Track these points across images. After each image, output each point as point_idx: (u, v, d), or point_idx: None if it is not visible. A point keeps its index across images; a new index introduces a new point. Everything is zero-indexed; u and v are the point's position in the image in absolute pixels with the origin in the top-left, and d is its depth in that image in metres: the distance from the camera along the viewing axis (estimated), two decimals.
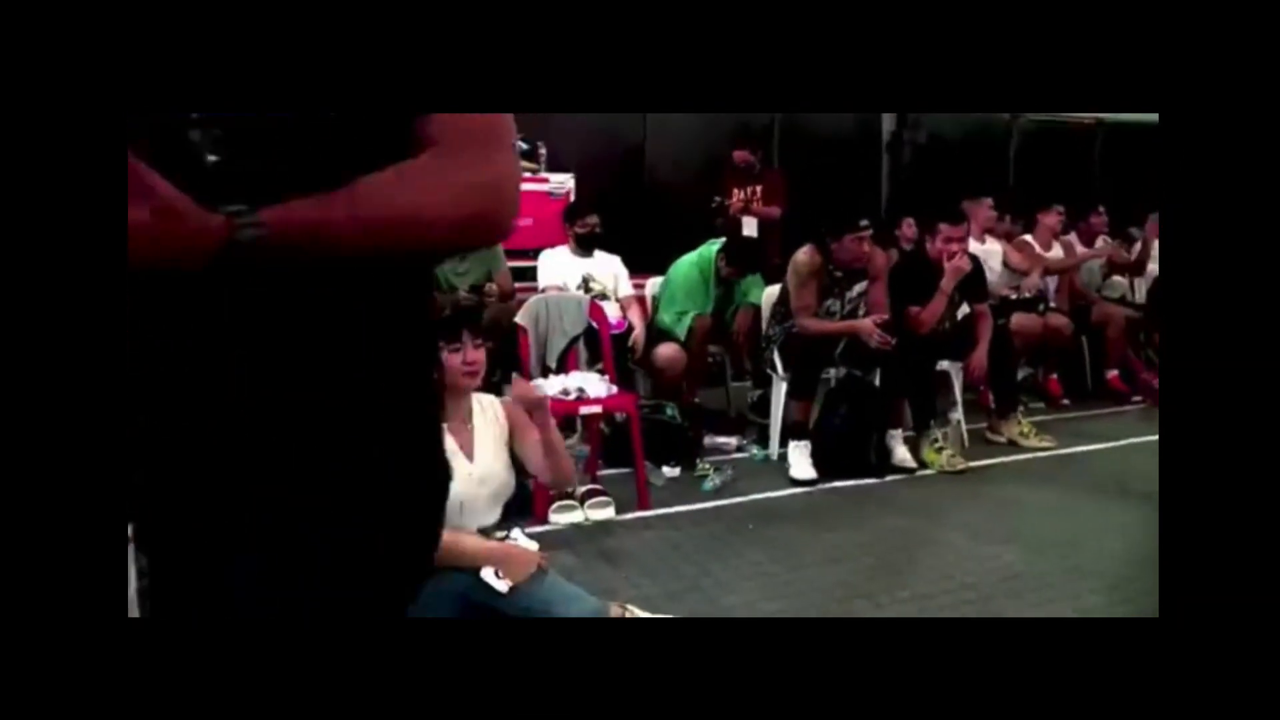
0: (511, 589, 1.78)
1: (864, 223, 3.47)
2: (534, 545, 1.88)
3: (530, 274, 4.16)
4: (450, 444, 1.97)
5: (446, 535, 1.85)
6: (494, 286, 4.05)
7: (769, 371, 3.80)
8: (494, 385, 3.37)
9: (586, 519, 2.98)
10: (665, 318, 4.03)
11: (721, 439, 3.92)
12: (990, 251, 4.39)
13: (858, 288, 3.57)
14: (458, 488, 1.96)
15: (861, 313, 3.58)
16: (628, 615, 1.97)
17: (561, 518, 2.96)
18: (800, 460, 3.41)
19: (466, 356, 1.96)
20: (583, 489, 3.10)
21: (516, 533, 1.92)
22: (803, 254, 3.54)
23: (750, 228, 4.71)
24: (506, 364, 3.57)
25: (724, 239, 4.15)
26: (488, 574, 1.77)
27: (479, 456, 2.02)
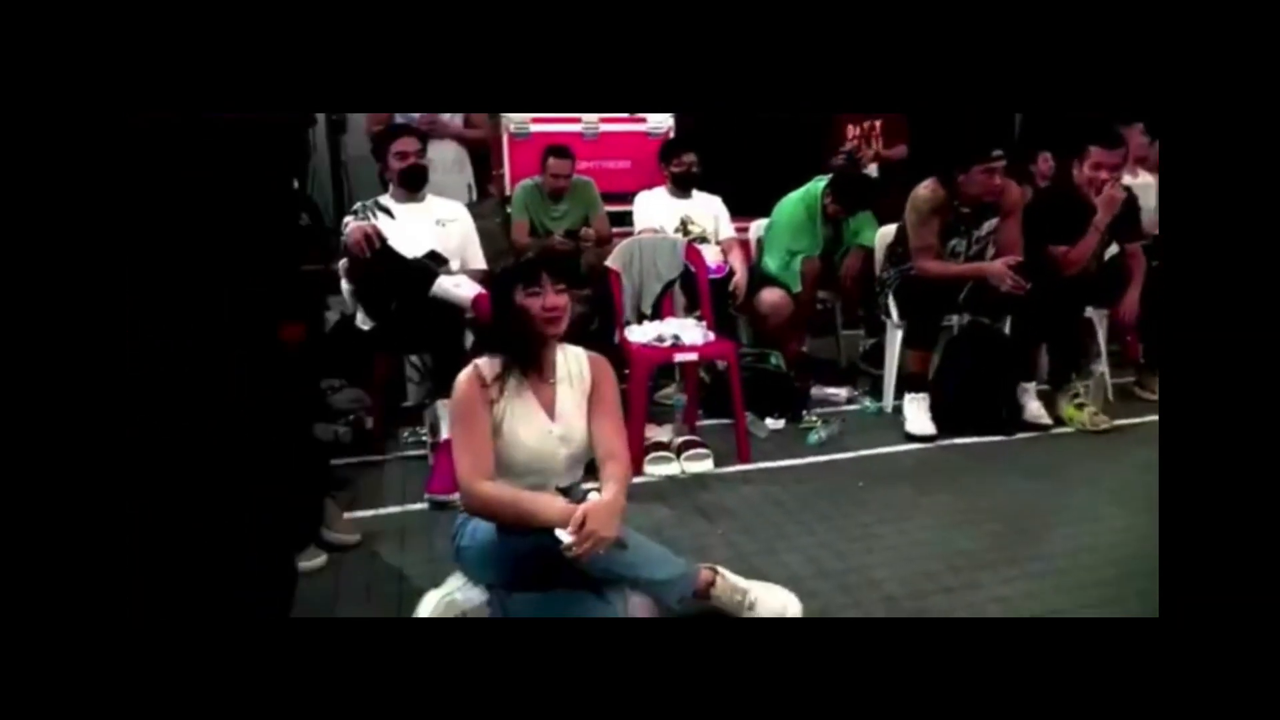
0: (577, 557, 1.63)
1: (996, 152, 3.09)
2: None
3: (629, 219, 3.98)
4: (530, 401, 1.84)
5: (525, 495, 1.73)
6: (590, 231, 3.89)
7: (883, 318, 3.50)
8: (593, 335, 3.23)
9: (683, 471, 2.81)
10: (770, 262, 3.77)
11: (831, 390, 3.66)
12: (1143, 185, 3.89)
13: (987, 225, 3.20)
14: (538, 447, 1.82)
15: (990, 254, 3.23)
16: (719, 579, 1.80)
17: (656, 469, 2.80)
18: (917, 414, 3.13)
19: (546, 301, 1.79)
20: (679, 440, 2.93)
21: (595, 496, 1.76)
22: (924, 188, 3.20)
23: (872, 172, 4.34)
24: (604, 311, 3.42)
25: (831, 175, 3.83)
26: (563, 535, 1.63)
27: (561, 414, 1.87)
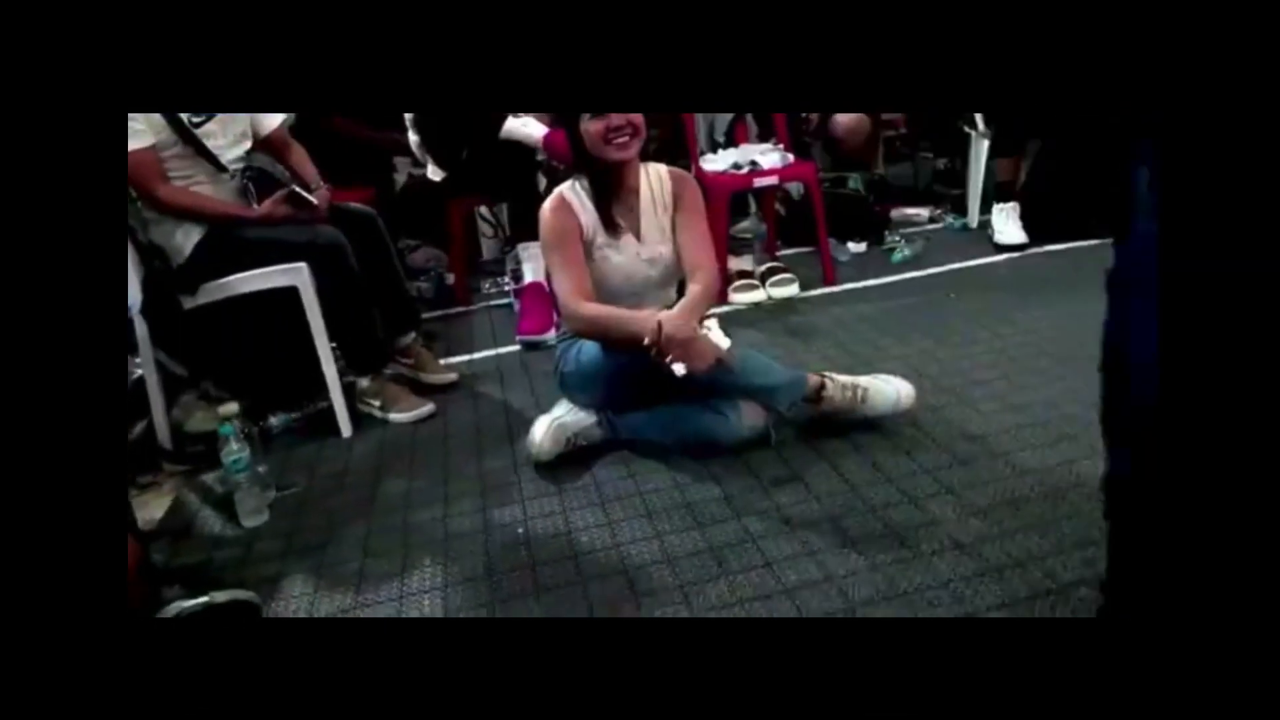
0: (687, 375, 1.63)
1: None
2: (726, 342, 1.69)
3: None
4: (616, 224, 1.84)
5: (625, 311, 1.71)
6: None
7: (966, 129, 3.32)
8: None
9: (769, 297, 2.79)
10: None
11: (911, 210, 3.55)
12: None
13: None
14: (628, 269, 1.81)
15: None
16: (828, 381, 1.79)
17: (742, 297, 2.79)
18: (1007, 224, 3.01)
19: (611, 122, 1.75)
20: (763, 267, 2.90)
21: (712, 324, 1.75)
22: None
23: None
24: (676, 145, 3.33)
25: None
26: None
27: (646, 236, 1.87)
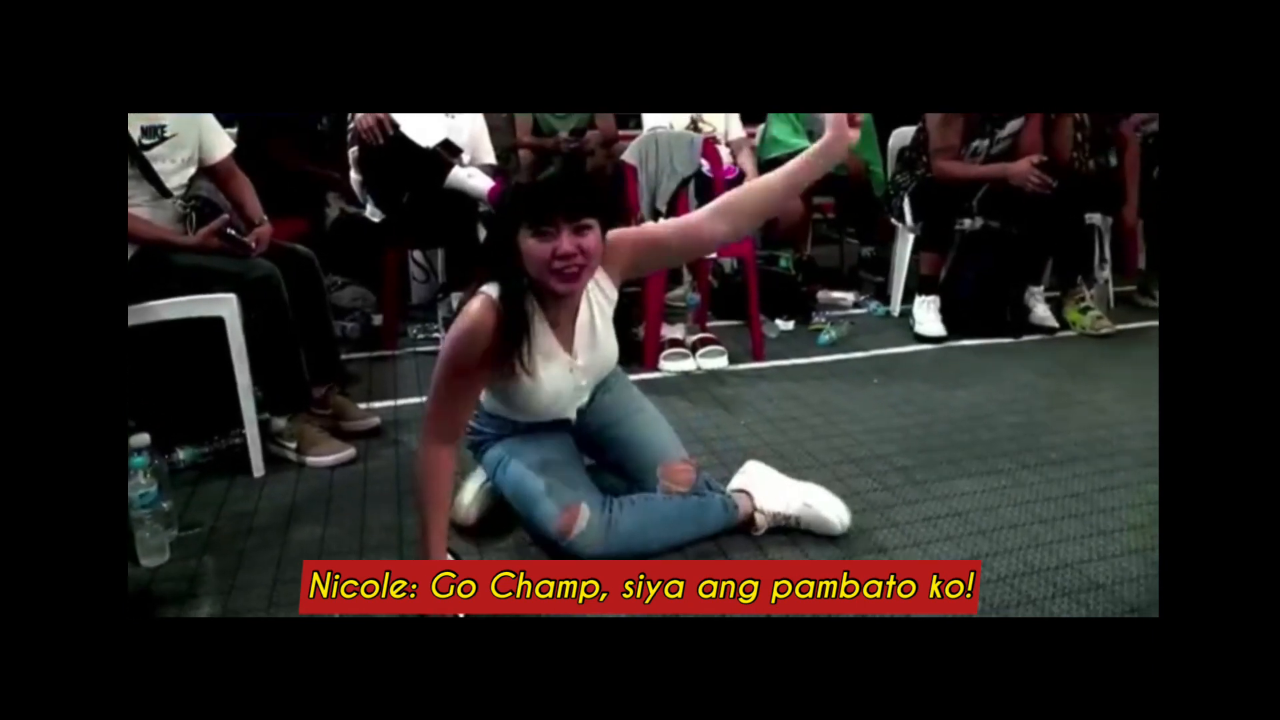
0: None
1: None
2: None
3: (636, 121, 3.89)
4: (544, 337, 1.54)
5: (433, 514, 1.46)
6: (595, 133, 3.80)
7: (895, 222, 3.49)
8: None
9: (698, 367, 2.83)
10: (777, 133, 3.78)
11: (837, 294, 3.68)
12: None
13: (1011, 125, 3.14)
14: (558, 386, 1.61)
15: (1012, 155, 3.18)
16: (758, 514, 1.72)
17: (672, 365, 2.82)
18: (928, 316, 3.15)
19: (560, 247, 1.38)
20: (693, 338, 2.94)
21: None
22: None
23: None
24: (614, 213, 3.38)
25: None
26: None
27: (579, 347, 1.61)
